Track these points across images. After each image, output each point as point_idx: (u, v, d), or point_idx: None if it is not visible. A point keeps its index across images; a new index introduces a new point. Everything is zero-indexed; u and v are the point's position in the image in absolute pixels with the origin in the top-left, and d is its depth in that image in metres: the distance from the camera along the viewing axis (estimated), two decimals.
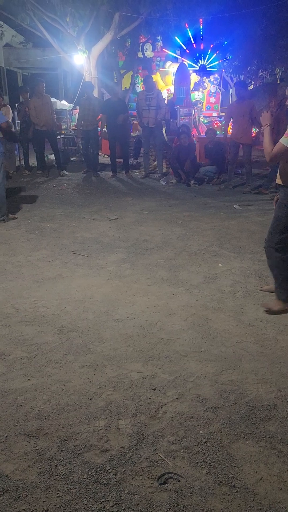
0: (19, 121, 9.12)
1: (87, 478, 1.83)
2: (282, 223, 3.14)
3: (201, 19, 13.72)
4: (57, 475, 1.85)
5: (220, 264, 4.20)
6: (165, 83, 15.37)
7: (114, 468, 1.88)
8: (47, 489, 1.79)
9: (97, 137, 9.06)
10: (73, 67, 12.98)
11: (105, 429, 2.11)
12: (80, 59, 11.66)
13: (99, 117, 8.74)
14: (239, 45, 14.27)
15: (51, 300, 3.45)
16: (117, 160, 8.87)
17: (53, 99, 9.28)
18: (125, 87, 15.75)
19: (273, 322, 3.13)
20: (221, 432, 2.09)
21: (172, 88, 14.04)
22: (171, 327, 3.07)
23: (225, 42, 15.48)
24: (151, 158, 9.58)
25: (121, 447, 2.00)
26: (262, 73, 17.08)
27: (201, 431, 2.10)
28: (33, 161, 9.37)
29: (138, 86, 15.68)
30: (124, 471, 1.87)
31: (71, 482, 1.82)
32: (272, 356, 2.73)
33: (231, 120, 7.64)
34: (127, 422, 2.15)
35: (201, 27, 15.23)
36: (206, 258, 4.36)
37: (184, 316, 3.23)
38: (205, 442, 2.03)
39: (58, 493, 1.77)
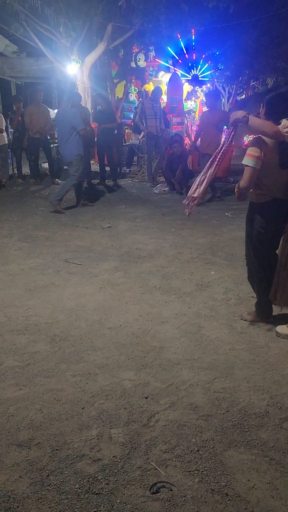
0: (12, 130, 9.14)
1: (79, 488, 1.82)
2: (249, 237, 3.14)
3: (193, 30, 13.89)
4: (49, 485, 1.84)
5: (212, 272, 4.22)
6: (152, 94, 15.48)
7: (106, 478, 1.87)
8: (38, 499, 1.77)
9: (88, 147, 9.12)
10: (67, 77, 13.06)
11: (97, 438, 2.10)
12: (74, 68, 11.73)
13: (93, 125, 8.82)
14: (231, 56, 14.43)
15: (44, 309, 3.45)
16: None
17: None
18: (118, 97, 15.86)
19: (265, 329, 3.14)
20: (213, 440, 2.09)
21: (164, 98, 14.17)
22: (164, 335, 3.08)
23: (217, 53, 15.67)
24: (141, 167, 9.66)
25: (113, 456, 1.99)
26: (253, 83, 17.30)
27: (193, 439, 2.10)
28: (26, 170, 9.38)
29: (131, 96, 15.79)
30: (116, 480, 1.86)
31: (63, 492, 1.80)
32: (264, 363, 2.74)
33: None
34: (119, 431, 2.15)
35: (193, 37, 15.41)
36: (199, 266, 4.37)
37: (177, 324, 3.23)
38: (198, 450, 2.03)
39: (49, 504, 1.75)
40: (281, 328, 3.05)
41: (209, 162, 3.08)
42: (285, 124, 2.63)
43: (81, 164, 6.66)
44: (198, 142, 7.71)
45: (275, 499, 1.78)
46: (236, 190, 3.03)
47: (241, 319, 3.29)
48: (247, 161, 2.79)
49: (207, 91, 9.74)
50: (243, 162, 2.81)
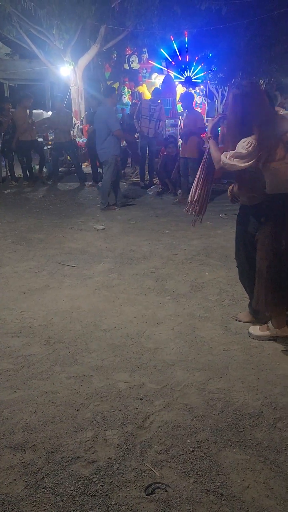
0: (2, 133, 9.14)
1: (74, 490, 1.82)
2: (240, 239, 3.16)
3: (186, 32, 13.94)
4: (44, 487, 1.84)
5: (206, 273, 4.23)
6: (152, 95, 15.52)
7: (101, 479, 1.87)
8: (33, 502, 1.77)
9: (74, 149, 9.14)
10: (60, 79, 13.07)
11: (92, 440, 2.10)
12: (67, 70, 11.75)
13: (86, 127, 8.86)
14: (223, 58, 14.49)
15: (38, 311, 3.44)
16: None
17: (39, 110, 9.35)
18: None
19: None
20: (208, 440, 2.10)
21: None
22: (158, 336, 3.08)
23: (210, 55, 15.73)
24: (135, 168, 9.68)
25: (108, 458, 1.99)
26: None
27: (188, 440, 2.10)
28: (19, 172, 9.37)
29: (124, 97, 15.82)
30: (111, 482, 1.86)
31: (58, 495, 1.80)
32: (259, 363, 2.75)
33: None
34: (114, 432, 2.15)
35: (186, 39, 15.46)
36: (193, 267, 4.39)
37: (171, 325, 3.24)
38: (193, 451, 2.03)
39: (44, 506, 1.75)
40: (253, 329, 3.06)
41: (200, 166, 3.09)
42: (223, 159, 2.71)
43: (114, 164, 6.72)
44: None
45: (270, 499, 1.79)
46: (229, 193, 3.05)
47: (235, 319, 3.30)
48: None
49: (181, 94, 9.73)
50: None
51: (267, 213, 2.79)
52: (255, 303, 2.93)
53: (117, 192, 7.16)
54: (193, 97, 9.08)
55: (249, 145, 2.59)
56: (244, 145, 2.62)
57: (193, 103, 7.55)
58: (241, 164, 2.66)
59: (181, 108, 15.06)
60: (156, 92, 8.74)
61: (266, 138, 2.58)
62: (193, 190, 3.15)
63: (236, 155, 2.66)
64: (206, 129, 6.56)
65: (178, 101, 14.72)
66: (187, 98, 7.65)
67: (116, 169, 6.85)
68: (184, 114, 14.28)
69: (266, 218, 2.80)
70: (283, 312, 2.90)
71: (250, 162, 2.63)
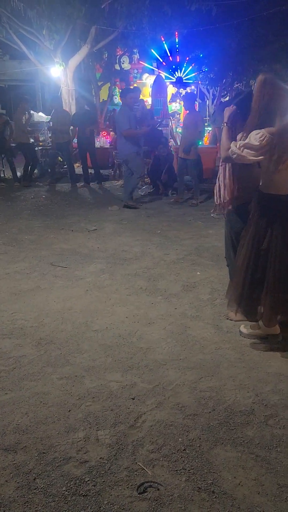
0: None
1: (66, 491, 1.82)
2: (229, 239, 3.16)
3: (176, 32, 13.97)
4: (36, 488, 1.83)
5: (198, 273, 4.24)
6: (143, 95, 15.56)
7: (93, 479, 1.87)
8: (25, 503, 1.77)
9: (69, 149, 9.13)
10: (50, 79, 13.03)
11: (84, 441, 2.10)
12: (57, 71, 11.71)
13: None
14: (214, 58, 14.53)
15: (29, 313, 3.43)
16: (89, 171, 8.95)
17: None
18: (103, 99, 15.87)
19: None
20: (200, 439, 2.11)
21: (149, 100, 14.22)
22: (150, 336, 3.09)
23: (201, 55, 15.78)
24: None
25: (100, 458, 1.99)
26: (237, 85, 17.44)
27: (180, 439, 2.11)
28: (9, 173, 9.34)
29: (115, 98, 15.82)
30: (104, 481, 1.86)
31: (50, 495, 1.80)
32: (250, 362, 2.76)
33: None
34: (106, 432, 2.15)
35: (177, 40, 15.50)
36: (185, 267, 4.40)
37: (163, 325, 3.25)
38: (184, 450, 2.04)
39: (36, 507, 1.75)
40: (245, 328, 3.08)
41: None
42: (233, 149, 2.59)
43: (137, 160, 6.89)
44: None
45: (261, 495, 1.80)
46: (220, 198, 3.04)
47: (227, 318, 3.31)
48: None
49: (184, 94, 9.72)
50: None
51: (258, 212, 2.76)
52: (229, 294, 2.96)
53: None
54: (195, 98, 9.10)
55: (262, 137, 2.45)
56: (257, 137, 2.47)
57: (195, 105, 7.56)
58: (250, 157, 2.52)
59: (172, 108, 15.14)
60: (135, 91, 8.71)
61: (286, 131, 2.43)
62: (221, 190, 3.03)
63: (247, 146, 2.50)
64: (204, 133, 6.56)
65: (169, 101, 14.77)
66: (190, 99, 7.70)
67: (136, 166, 6.91)
68: (176, 115, 14.36)
69: (255, 217, 2.79)
70: (273, 312, 2.90)
71: (261, 157, 2.51)
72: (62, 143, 8.77)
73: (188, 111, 7.52)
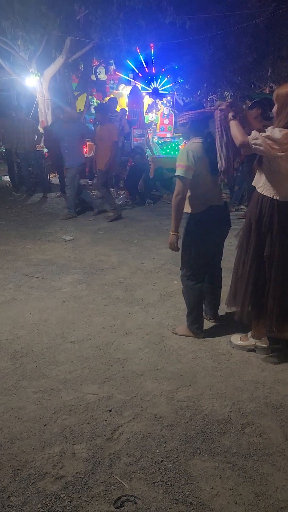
0: None
1: (41, 508, 1.78)
2: (187, 251, 3.12)
3: (152, 44, 14.15)
4: (10, 506, 1.79)
5: (175, 282, 4.25)
6: (119, 105, 15.65)
7: (69, 495, 1.84)
8: None
9: (38, 159, 9.11)
10: (26, 89, 12.98)
11: (60, 455, 2.06)
12: (33, 81, 11.68)
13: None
14: (189, 70, 14.79)
15: (4, 325, 3.37)
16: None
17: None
18: (80, 109, 15.87)
19: (227, 336, 3.19)
20: (177, 449, 2.10)
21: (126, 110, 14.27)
22: (128, 346, 3.07)
23: (176, 67, 16.02)
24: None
25: (77, 473, 1.96)
26: (212, 96, 17.76)
27: (157, 450, 2.09)
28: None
29: (93, 108, 15.85)
30: (80, 497, 1.83)
31: None
32: (226, 370, 2.78)
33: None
34: (82, 446, 2.12)
35: (152, 52, 15.70)
36: (162, 276, 4.41)
37: (140, 335, 3.24)
38: (162, 461, 2.03)
39: None
40: (235, 339, 3.09)
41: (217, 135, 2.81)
42: (255, 135, 2.51)
43: (76, 174, 7.08)
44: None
45: (238, 505, 1.80)
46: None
47: (173, 332, 3.27)
48: (179, 171, 2.79)
49: (96, 105, 9.16)
50: (176, 174, 2.81)
51: (279, 224, 2.66)
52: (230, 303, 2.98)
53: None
54: (108, 109, 8.79)
55: (286, 134, 2.42)
56: (280, 133, 2.43)
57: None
58: (274, 147, 2.42)
59: (149, 119, 15.27)
60: (111, 101, 8.80)
61: None
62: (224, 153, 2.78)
63: (270, 137, 2.45)
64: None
65: (146, 112, 14.90)
66: (101, 111, 7.34)
67: (72, 177, 7.10)
68: (152, 125, 14.48)
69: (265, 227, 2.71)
70: (262, 323, 2.90)
71: (283, 153, 2.43)
72: (29, 152, 8.76)
73: (99, 124, 7.15)
